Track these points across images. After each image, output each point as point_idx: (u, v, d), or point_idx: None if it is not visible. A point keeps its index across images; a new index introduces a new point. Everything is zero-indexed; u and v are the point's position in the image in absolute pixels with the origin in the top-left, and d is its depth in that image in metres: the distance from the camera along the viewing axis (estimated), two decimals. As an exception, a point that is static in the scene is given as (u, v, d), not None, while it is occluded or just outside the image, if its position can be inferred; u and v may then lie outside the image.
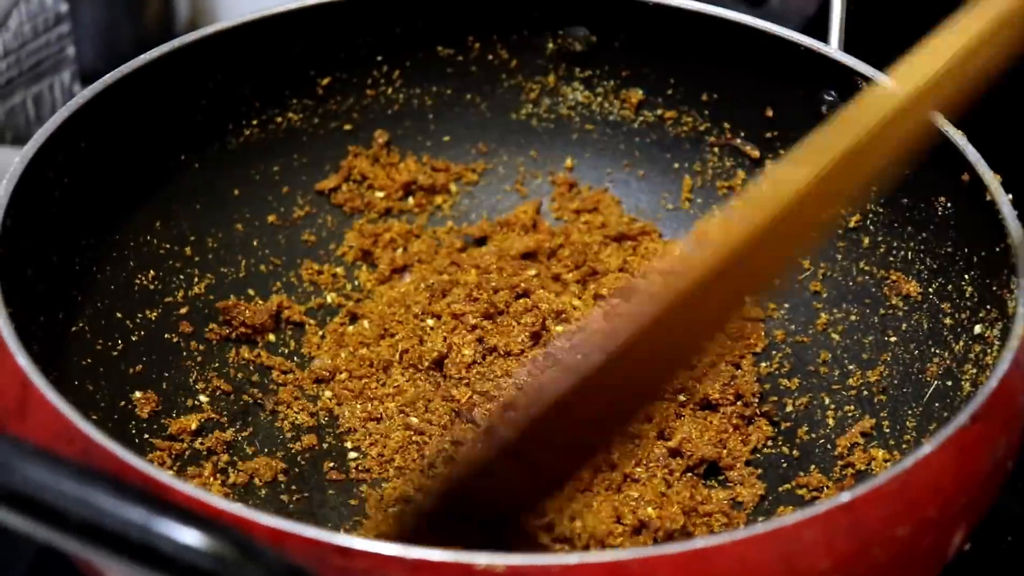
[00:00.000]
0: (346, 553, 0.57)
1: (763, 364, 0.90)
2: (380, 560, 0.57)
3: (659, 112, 0.99)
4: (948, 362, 0.81)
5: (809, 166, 0.63)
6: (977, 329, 0.79)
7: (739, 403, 0.85)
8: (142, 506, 0.53)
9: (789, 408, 0.87)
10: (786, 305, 0.93)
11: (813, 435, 0.85)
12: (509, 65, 0.99)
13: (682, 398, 0.84)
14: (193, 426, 0.82)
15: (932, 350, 0.83)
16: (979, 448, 0.66)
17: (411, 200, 0.99)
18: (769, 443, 0.85)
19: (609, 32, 0.97)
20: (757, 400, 0.85)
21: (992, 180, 0.79)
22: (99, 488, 0.53)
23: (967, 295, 0.81)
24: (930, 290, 0.85)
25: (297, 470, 0.82)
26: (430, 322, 0.89)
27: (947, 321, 0.83)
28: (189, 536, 0.52)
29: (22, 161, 0.78)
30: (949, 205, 0.84)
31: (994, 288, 0.78)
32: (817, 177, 0.62)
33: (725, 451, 0.82)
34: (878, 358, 0.87)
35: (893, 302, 0.88)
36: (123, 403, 0.83)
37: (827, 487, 0.80)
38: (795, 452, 0.84)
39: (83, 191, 0.83)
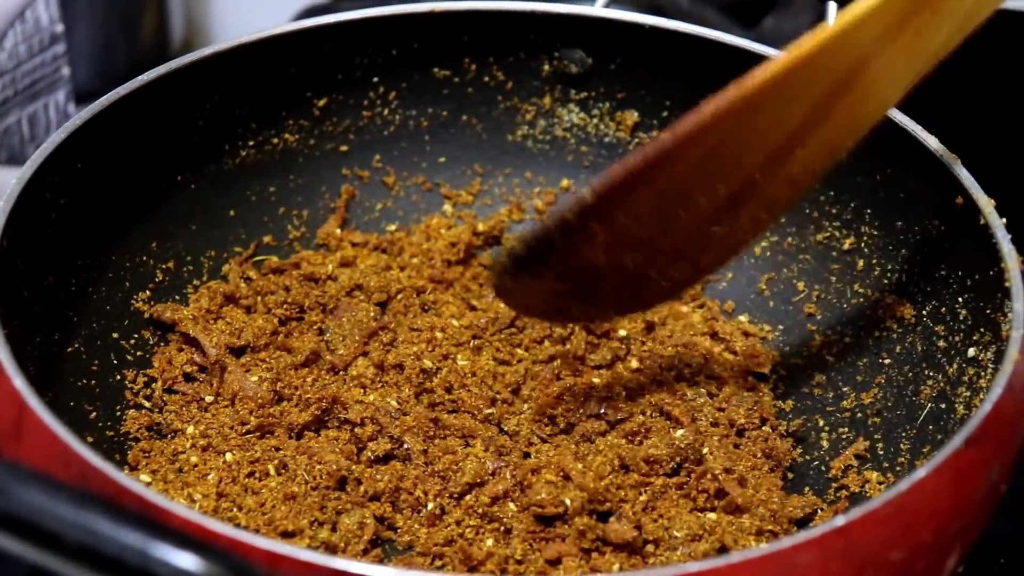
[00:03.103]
0: (342, 577, 0.57)
1: (760, 385, 0.90)
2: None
3: (654, 134, 0.99)
4: (942, 385, 0.81)
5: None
6: (971, 352, 0.79)
7: (765, 426, 0.86)
8: (139, 530, 0.53)
9: (783, 429, 0.87)
10: (780, 327, 0.94)
11: (807, 457, 0.86)
12: (505, 87, 0.99)
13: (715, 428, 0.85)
14: (190, 445, 0.82)
15: (926, 373, 0.83)
16: (973, 471, 0.66)
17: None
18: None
19: (605, 54, 0.98)
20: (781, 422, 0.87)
21: (986, 204, 0.79)
22: (96, 512, 0.53)
23: (961, 318, 0.82)
24: (924, 313, 0.85)
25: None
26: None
27: (941, 344, 0.83)
28: (185, 560, 0.52)
29: (19, 182, 0.78)
30: (943, 228, 0.84)
31: (988, 311, 0.78)
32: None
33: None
34: (872, 380, 0.87)
35: (887, 324, 0.88)
36: (119, 424, 0.83)
37: (821, 509, 0.81)
38: (789, 474, 0.85)
39: (79, 212, 0.83)
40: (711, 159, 0.72)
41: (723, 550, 0.76)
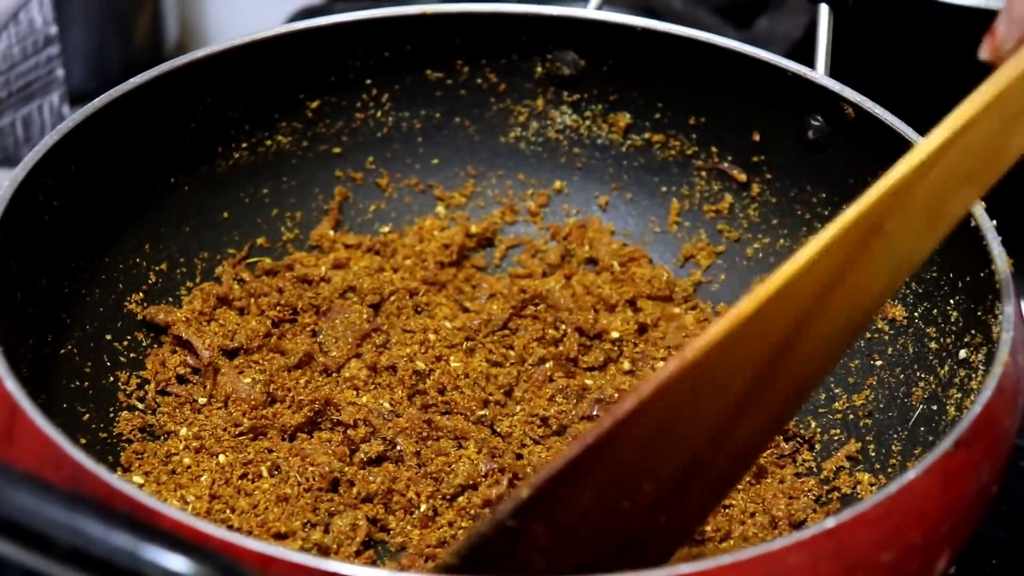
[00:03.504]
0: (333, 579, 0.57)
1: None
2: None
3: (647, 136, 0.99)
4: (933, 386, 0.81)
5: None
6: (962, 354, 0.80)
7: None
8: (130, 532, 0.53)
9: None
10: (773, 329, 0.94)
11: (799, 458, 0.86)
12: (498, 89, 1.00)
13: None
14: (183, 447, 0.83)
15: (917, 374, 0.84)
16: (964, 473, 0.66)
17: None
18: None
19: (597, 56, 0.98)
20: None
21: (977, 207, 0.79)
22: (86, 514, 0.53)
23: (952, 320, 0.82)
24: (916, 315, 0.86)
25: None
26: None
27: (932, 346, 0.83)
28: (176, 562, 0.52)
29: (12, 184, 0.78)
30: (934, 231, 0.84)
31: (979, 313, 0.78)
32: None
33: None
34: (864, 382, 0.87)
35: (879, 326, 0.88)
36: (112, 425, 0.83)
37: (813, 510, 0.81)
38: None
39: (72, 214, 0.84)
40: (654, 439, 0.65)
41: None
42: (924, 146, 0.65)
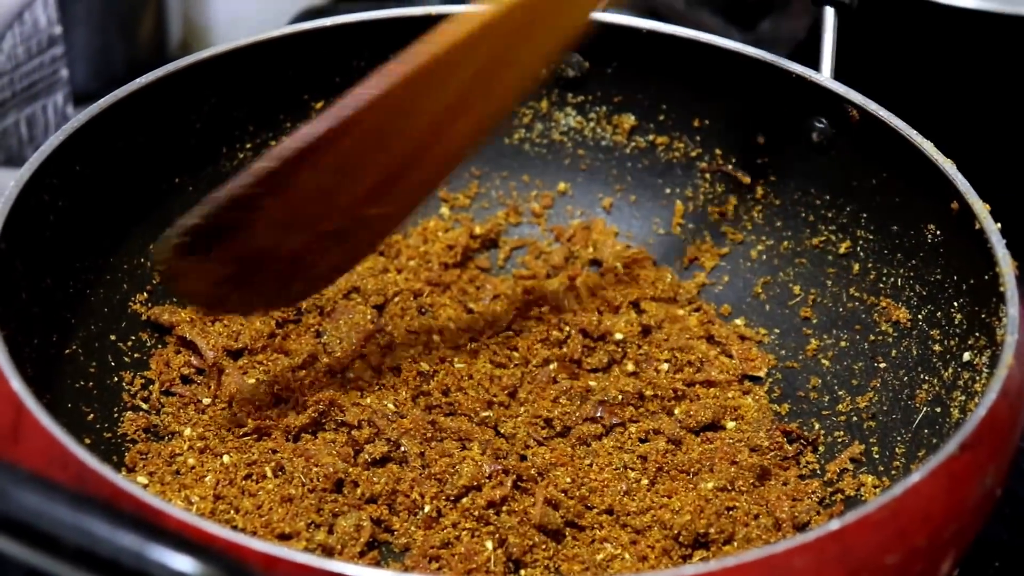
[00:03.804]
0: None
1: (756, 388, 0.90)
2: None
3: (651, 138, 0.99)
4: (937, 389, 0.82)
5: None
6: (966, 356, 0.80)
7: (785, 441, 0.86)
8: (136, 532, 0.53)
9: (779, 433, 0.87)
10: (776, 331, 0.94)
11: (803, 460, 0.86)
12: (502, 90, 1.00)
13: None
14: (187, 448, 0.83)
15: (921, 377, 0.84)
16: (968, 476, 0.66)
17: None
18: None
19: (602, 58, 0.98)
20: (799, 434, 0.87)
21: (981, 209, 0.79)
22: (93, 514, 0.53)
23: (956, 322, 0.82)
24: (919, 317, 0.86)
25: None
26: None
27: (936, 348, 0.83)
28: (182, 562, 0.53)
29: (17, 184, 0.78)
30: (939, 233, 0.84)
31: (983, 316, 0.78)
32: None
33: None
34: (868, 384, 0.87)
35: (883, 328, 0.88)
36: (117, 425, 0.83)
37: (817, 512, 0.81)
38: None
39: (77, 214, 0.84)
40: (382, 129, 0.76)
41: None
42: None
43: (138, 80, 0.87)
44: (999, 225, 0.78)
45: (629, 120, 0.99)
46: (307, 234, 0.79)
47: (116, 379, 0.86)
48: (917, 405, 0.83)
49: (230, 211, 0.75)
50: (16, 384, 0.66)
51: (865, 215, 0.91)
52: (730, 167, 0.97)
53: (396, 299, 0.93)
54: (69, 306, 0.83)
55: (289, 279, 0.82)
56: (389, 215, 0.83)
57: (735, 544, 0.78)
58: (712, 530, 0.78)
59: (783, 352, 0.92)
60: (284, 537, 0.76)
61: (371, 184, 0.79)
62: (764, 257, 0.96)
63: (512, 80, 0.81)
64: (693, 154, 0.98)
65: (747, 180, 0.97)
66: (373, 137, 0.76)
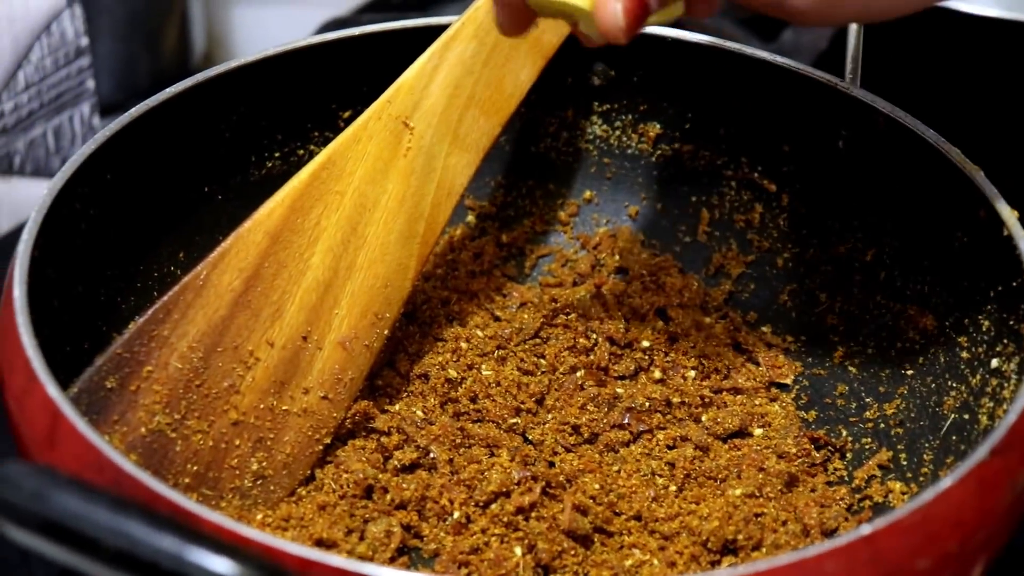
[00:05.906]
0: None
1: (783, 395, 0.90)
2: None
3: (676, 146, 1.00)
4: (965, 396, 0.82)
5: None
6: (994, 363, 0.80)
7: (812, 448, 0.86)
8: (174, 535, 0.54)
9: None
10: (803, 338, 0.94)
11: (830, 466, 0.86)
12: (528, 99, 1.00)
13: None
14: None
15: (949, 383, 0.84)
16: (999, 482, 0.67)
17: None
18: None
19: (627, 67, 0.98)
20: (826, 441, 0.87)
21: (1009, 216, 0.79)
22: (132, 517, 0.54)
23: (984, 329, 0.82)
24: (947, 324, 0.86)
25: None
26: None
27: (964, 355, 0.83)
28: (220, 565, 0.53)
29: (50, 193, 0.79)
30: (966, 240, 0.84)
31: (1011, 322, 0.78)
32: None
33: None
34: (895, 391, 0.87)
35: (909, 335, 0.88)
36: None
37: (845, 519, 0.81)
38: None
39: (108, 223, 0.84)
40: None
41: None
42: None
43: (168, 90, 0.88)
44: (1027, 231, 0.79)
45: (655, 128, 1.00)
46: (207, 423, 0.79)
47: (146, 386, 0.86)
48: (945, 412, 0.83)
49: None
50: (52, 391, 0.67)
51: (891, 222, 0.91)
52: (756, 175, 0.97)
53: (424, 307, 0.94)
54: (100, 314, 0.84)
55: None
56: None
57: (763, 550, 0.78)
58: (740, 536, 0.78)
59: (810, 359, 0.93)
60: (318, 543, 0.76)
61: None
62: (790, 265, 0.96)
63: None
64: (719, 162, 0.99)
65: (773, 188, 0.97)
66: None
